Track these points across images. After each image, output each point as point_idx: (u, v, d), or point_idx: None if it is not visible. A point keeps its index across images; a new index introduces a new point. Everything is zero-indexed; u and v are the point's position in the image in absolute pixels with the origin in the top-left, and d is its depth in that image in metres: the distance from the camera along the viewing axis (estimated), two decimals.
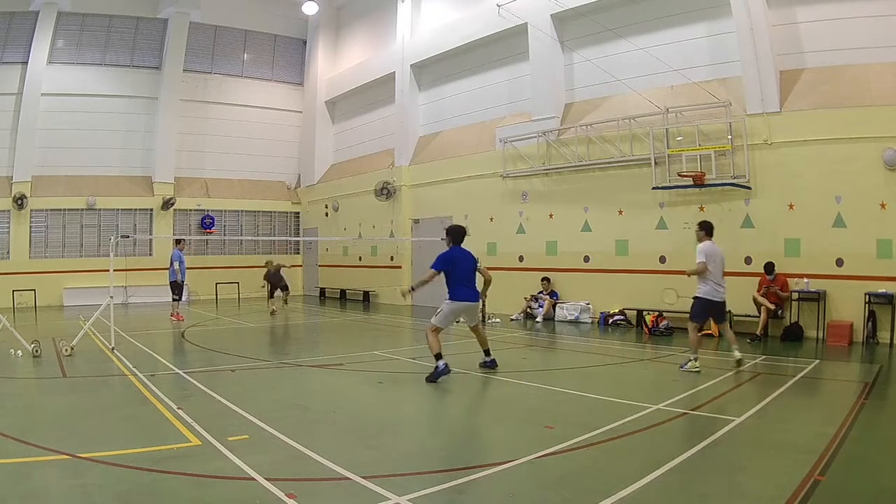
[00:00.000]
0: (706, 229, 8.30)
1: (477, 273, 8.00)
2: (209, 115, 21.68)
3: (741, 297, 11.12)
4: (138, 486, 3.97)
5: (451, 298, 7.69)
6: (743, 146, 11.29)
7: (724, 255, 8.16)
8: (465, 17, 16.87)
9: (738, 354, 7.86)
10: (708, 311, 8.07)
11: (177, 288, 14.79)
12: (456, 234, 8.07)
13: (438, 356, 7.35)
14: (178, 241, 15.31)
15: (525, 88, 15.51)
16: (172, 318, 14.34)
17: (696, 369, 7.62)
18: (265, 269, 16.33)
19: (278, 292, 15.96)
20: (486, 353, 8.13)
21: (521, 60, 15.57)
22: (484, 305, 13.58)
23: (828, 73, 10.95)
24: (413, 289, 8.33)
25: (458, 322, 8.34)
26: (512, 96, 16.03)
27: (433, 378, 7.23)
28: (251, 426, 5.33)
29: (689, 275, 8.25)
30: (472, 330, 8.18)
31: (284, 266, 16.71)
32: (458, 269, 7.72)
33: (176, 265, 14.63)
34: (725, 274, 11.49)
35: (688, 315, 11.75)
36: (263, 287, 16.53)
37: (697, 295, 8.04)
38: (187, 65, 20.77)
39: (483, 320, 13.43)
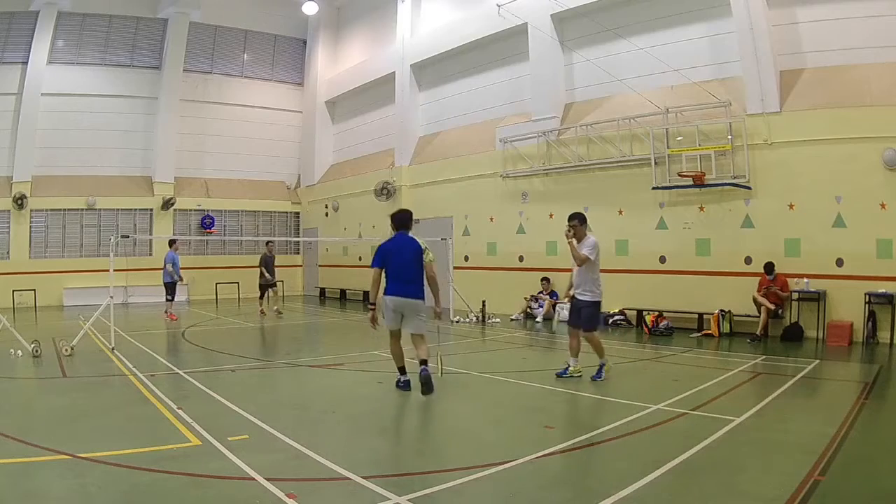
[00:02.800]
0: (583, 220, 7.47)
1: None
2: (209, 115, 21.67)
3: (741, 297, 11.14)
4: (138, 486, 3.97)
5: (384, 293, 6.75)
6: (743, 146, 11.29)
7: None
8: (465, 17, 16.87)
9: (573, 364, 7.43)
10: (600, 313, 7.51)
11: (171, 288, 14.92)
12: (398, 220, 6.92)
13: (401, 370, 6.83)
14: (171, 243, 15.47)
15: (525, 88, 15.51)
16: (166, 318, 14.42)
17: (607, 372, 7.29)
18: (265, 252, 15.75)
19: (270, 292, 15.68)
20: (422, 362, 6.55)
21: (521, 60, 15.56)
22: (483, 306, 13.72)
23: (828, 73, 10.95)
24: (372, 305, 6.89)
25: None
26: (512, 96, 16.02)
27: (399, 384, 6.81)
28: (251, 426, 5.33)
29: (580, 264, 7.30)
30: (412, 339, 6.76)
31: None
32: (391, 261, 6.69)
33: (169, 266, 14.85)
34: (726, 274, 11.75)
35: (688, 314, 11.94)
36: (262, 277, 15.48)
37: (596, 300, 7.35)
38: (187, 65, 20.77)
39: (483, 321, 13.54)
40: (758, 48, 11.14)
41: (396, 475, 4.25)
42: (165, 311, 14.71)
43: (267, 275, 15.44)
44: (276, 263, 16.03)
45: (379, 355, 9.36)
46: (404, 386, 6.81)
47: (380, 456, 4.76)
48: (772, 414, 5.82)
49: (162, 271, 15.10)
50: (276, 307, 15.81)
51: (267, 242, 16.32)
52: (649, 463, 4.30)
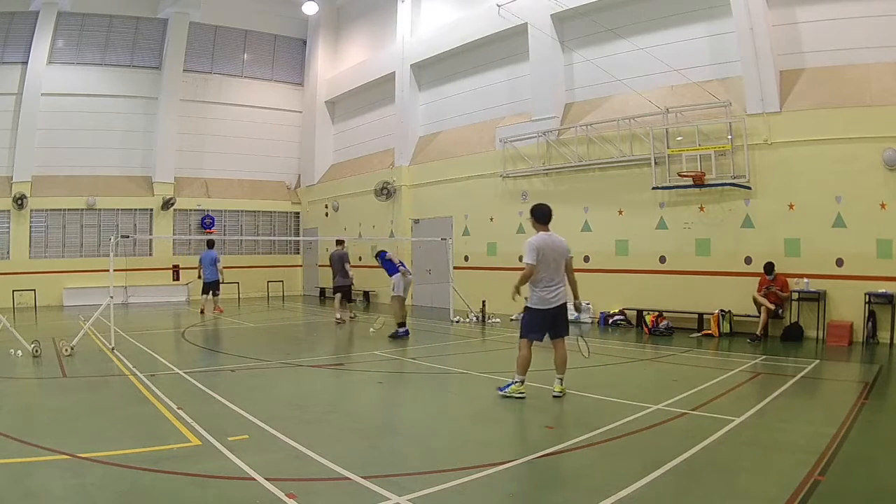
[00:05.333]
0: (537, 216, 6.52)
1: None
2: (209, 115, 21.68)
3: (741, 297, 11.14)
4: (138, 486, 3.97)
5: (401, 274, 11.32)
6: (743, 146, 11.29)
7: (566, 247, 6.45)
8: (465, 17, 16.87)
9: (557, 388, 6.37)
10: (541, 323, 6.42)
11: (216, 285, 15.45)
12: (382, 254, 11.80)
13: (402, 324, 10.83)
14: (211, 244, 16.00)
15: (525, 88, 15.51)
16: (215, 312, 15.05)
17: (521, 394, 6.32)
18: (337, 249, 13.70)
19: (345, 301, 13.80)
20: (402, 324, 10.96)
21: (521, 60, 15.57)
22: (483, 306, 13.76)
23: (828, 73, 10.95)
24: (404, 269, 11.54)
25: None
26: (512, 96, 16.03)
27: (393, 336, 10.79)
28: (251, 426, 5.33)
29: (516, 290, 6.44)
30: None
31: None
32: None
33: (220, 265, 15.45)
34: (726, 274, 11.76)
35: (688, 314, 11.95)
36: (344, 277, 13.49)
37: (527, 305, 6.48)
38: (187, 65, 20.78)
39: (483, 320, 13.58)
40: (758, 48, 11.14)
41: (396, 475, 4.25)
42: (215, 307, 15.28)
43: (342, 276, 13.55)
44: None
45: (379, 355, 9.37)
46: (404, 334, 10.89)
47: (380, 456, 4.76)
48: (772, 414, 5.81)
49: (206, 270, 15.38)
50: (351, 313, 14.04)
51: (337, 241, 14.14)
52: (649, 463, 4.29)
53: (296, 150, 23.63)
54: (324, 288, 21.76)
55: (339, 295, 13.69)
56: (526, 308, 6.52)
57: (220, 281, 15.58)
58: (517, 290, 6.43)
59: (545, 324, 6.45)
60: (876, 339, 9.89)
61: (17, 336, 9.10)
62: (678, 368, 8.43)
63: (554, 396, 6.37)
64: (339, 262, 13.53)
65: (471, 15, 16.62)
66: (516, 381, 6.40)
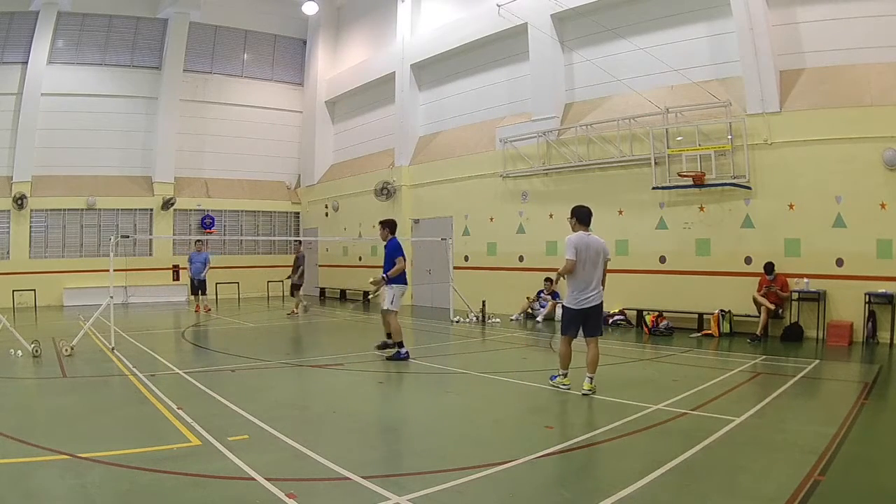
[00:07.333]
0: (578, 216, 6.80)
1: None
2: (209, 115, 21.67)
3: (741, 297, 11.15)
4: (138, 486, 3.97)
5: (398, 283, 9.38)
6: (743, 146, 11.29)
7: (604, 248, 6.82)
8: (465, 17, 16.87)
9: (586, 386, 6.53)
10: (574, 321, 6.73)
11: (203, 284, 16.48)
12: (392, 225, 10.18)
13: (401, 343, 9.01)
14: (198, 242, 17.15)
15: (525, 88, 15.51)
16: (203, 311, 15.77)
17: (565, 386, 6.77)
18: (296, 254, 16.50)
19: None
20: (389, 336, 9.16)
21: (521, 60, 15.57)
22: (483, 306, 13.76)
23: (828, 73, 10.95)
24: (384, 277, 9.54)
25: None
26: (512, 96, 16.03)
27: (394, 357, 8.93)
28: (251, 426, 5.33)
29: (558, 278, 7.03)
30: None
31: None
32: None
33: (210, 264, 16.61)
34: (726, 274, 11.74)
35: (688, 314, 11.95)
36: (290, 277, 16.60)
37: (563, 303, 6.98)
38: (187, 65, 20.77)
39: (483, 320, 13.57)
40: (758, 48, 11.14)
41: (396, 475, 4.25)
42: (206, 306, 16.20)
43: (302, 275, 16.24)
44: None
45: (379, 355, 9.36)
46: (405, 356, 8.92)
47: (380, 456, 4.76)
48: (772, 414, 5.82)
49: (193, 268, 16.49)
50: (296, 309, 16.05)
51: (298, 243, 17.17)
52: (649, 463, 4.30)
53: (296, 150, 23.62)
54: (324, 288, 21.79)
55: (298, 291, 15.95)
56: (563, 306, 6.97)
57: (193, 279, 16.65)
58: (557, 280, 7.22)
59: (577, 321, 6.77)
60: (876, 339, 9.90)
61: (17, 336, 9.09)
62: (678, 368, 8.43)
63: (583, 394, 6.51)
64: (304, 263, 16.26)
65: (471, 15, 16.62)
66: (560, 374, 6.84)
